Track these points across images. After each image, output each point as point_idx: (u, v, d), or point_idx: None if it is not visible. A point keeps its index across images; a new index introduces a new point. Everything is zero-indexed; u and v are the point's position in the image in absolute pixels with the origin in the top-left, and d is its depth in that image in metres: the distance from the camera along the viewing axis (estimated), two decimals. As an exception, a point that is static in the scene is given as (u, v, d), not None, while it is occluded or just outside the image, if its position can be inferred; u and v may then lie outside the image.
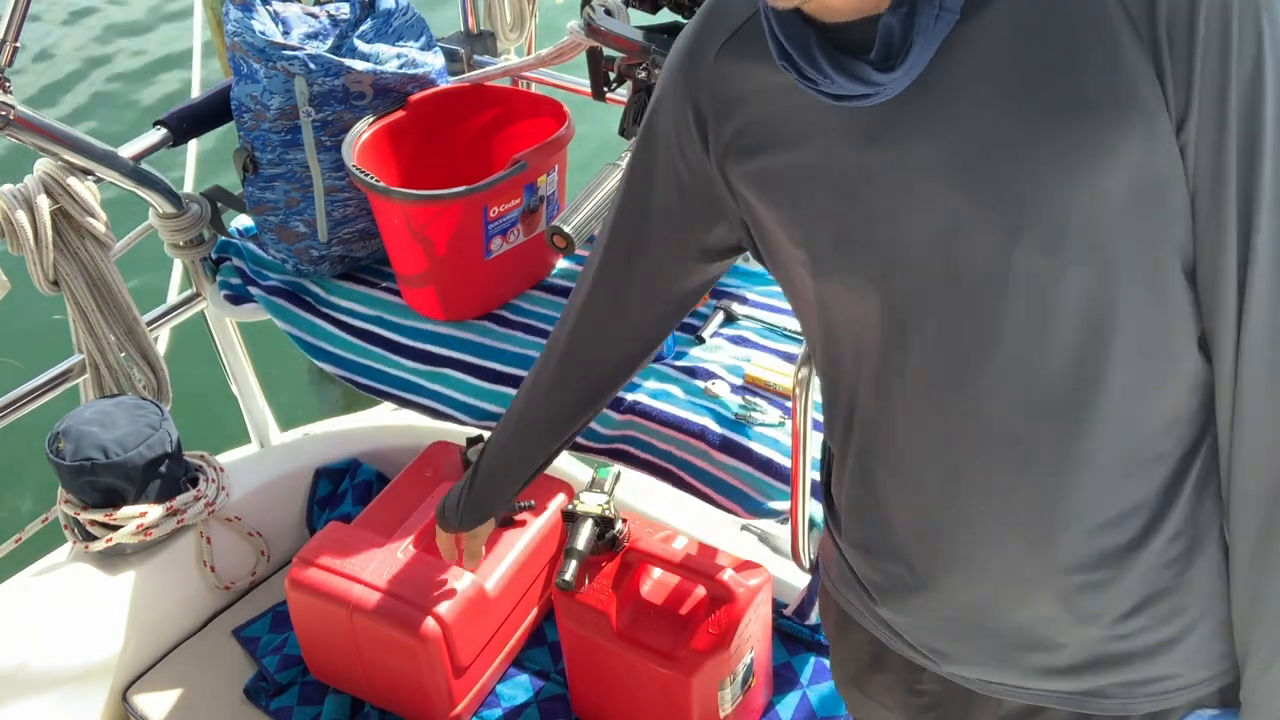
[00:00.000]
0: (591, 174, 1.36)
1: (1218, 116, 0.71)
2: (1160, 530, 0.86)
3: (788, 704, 1.65)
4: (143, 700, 1.77)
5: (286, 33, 1.75)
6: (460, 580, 1.61)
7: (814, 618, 1.65)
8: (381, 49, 1.78)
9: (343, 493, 2.03)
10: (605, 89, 1.74)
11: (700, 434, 1.54)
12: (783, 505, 1.49)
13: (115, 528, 1.71)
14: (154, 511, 1.73)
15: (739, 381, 1.61)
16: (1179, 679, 0.93)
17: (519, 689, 1.74)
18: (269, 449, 2.13)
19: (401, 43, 1.81)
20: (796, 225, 0.90)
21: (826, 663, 1.66)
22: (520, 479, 1.33)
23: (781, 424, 1.55)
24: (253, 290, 1.90)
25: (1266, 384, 0.78)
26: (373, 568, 1.63)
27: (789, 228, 0.90)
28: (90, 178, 1.70)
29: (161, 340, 2.00)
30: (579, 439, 1.63)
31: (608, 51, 1.68)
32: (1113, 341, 0.79)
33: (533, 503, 1.76)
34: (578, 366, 1.21)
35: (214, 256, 1.94)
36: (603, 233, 1.10)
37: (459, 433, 1.80)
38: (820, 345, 0.97)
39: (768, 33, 0.82)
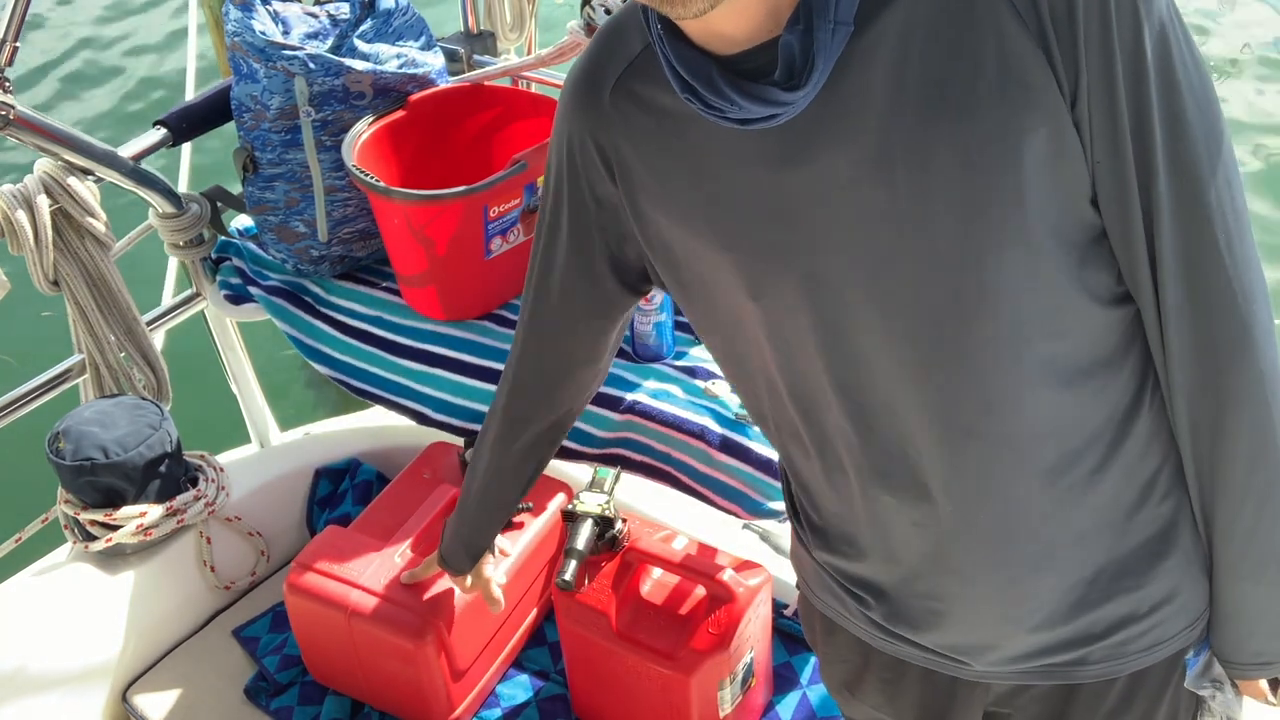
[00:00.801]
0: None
1: (1107, 87, 0.75)
2: (1119, 456, 0.89)
3: (788, 704, 1.65)
4: (143, 700, 1.77)
5: (286, 32, 1.75)
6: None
7: (814, 618, 1.64)
8: (381, 49, 1.78)
9: (343, 493, 2.03)
10: (605, 89, 1.74)
11: (700, 434, 1.54)
12: (782, 505, 1.49)
13: (115, 528, 1.71)
14: (154, 511, 1.73)
15: (739, 381, 1.61)
16: (1164, 629, 0.95)
17: (519, 689, 1.74)
18: (269, 449, 2.13)
19: (401, 43, 1.81)
20: (721, 253, 0.90)
21: (826, 663, 1.66)
22: (501, 519, 1.38)
23: (781, 424, 1.55)
24: (252, 290, 1.90)
25: (1187, 317, 0.82)
26: (370, 572, 1.63)
27: (712, 256, 0.91)
28: (90, 178, 1.70)
29: (161, 340, 2.00)
30: (576, 445, 1.64)
31: (608, 51, 1.68)
32: (1027, 312, 0.83)
33: (531, 504, 1.76)
34: (526, 406, 1.21)
35: (214, 256, 1.94)
36: (527, 279, 1.12)
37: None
38: (773, 364, 0.96)
39: (666, 66, 0.82)
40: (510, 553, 1.69)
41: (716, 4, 0.74)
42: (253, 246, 1.96)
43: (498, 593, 1.47)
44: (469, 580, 1.45)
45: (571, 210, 1.02)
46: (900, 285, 0.83)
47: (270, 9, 1.76)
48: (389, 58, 1.78)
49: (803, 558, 1.12)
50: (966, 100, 0.76)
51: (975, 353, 0.84)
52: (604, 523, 1.55)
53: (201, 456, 1.88)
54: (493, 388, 1.69)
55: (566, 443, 1.65)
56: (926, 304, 0.83)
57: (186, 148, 2.66)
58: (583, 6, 1.67)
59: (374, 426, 2.14)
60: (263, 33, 1.70)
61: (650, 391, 1.61)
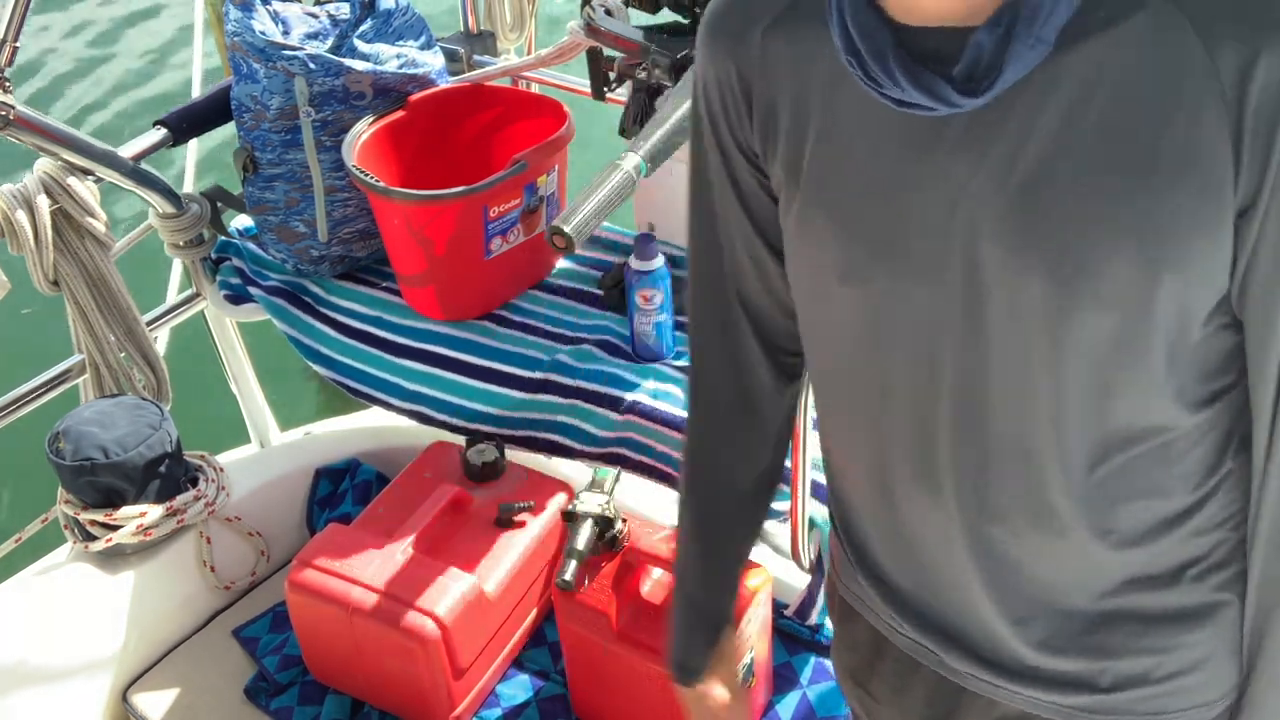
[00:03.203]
0: (591, 174, 1.36)
1: None
2: (1185, 524, 0.86)
3: (788, 704, 1.65)
4: (143, 700, 1.77)
5: (286, 33, 1.75)
6: (460, 581, 1.61)
7: (814, 618, 1.65)
8: (381, 49, 1.78)
9: (343, 493, 2.03)
10: (605, 89, 1.74)
11: (700, 434, 1.54)
12: (782, 505, 1.49)
13: (115, 528, 1.71)
14: (154, 511, 1.73)
15: (739, 381, 1.61)
16: (1177, 700, 0.92)
17: (519, 689, 1.74)
18: (269, 449, 2.13)
19: (401, 43, 1.81)
20: (829, 224, 0.86)
21: (826, 663, 1.66)
22: (735, 575, 1.17)
23: (781, 424, 1.55)
24: (252, 290, 1.90)
25: None
26: (372, 570, 1.63)
27: (820, 223, 0.87)
28: (90, 178, 1.70)
29: (161, 340, 2.00)
30: (577, 445, 1.63)
31: (608, 51, 1.68)
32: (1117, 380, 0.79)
33: (532, 503, 1.76)
34: (724, 413, 1.08)
35: (214, 256, 1.94)
36: (689, 261, 1.02)
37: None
38: (856, 344, 0.91)
39: (836, 23, 0.77)
40: (511, 552, 1.69)
41: None
42: (253, 246, 1.96)
43: (735, 673, 1.18)
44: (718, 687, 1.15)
45: (719, 159, 0.93)
46: (986, 328, 0.80)
47: (270, 9, 1.76)
48: (389, 58, 1.78)
49: (834, 541, 1.12)
50: (1138, 166, 0.71)
51: (1045, 402, 0.81)
52: (604, 523, 1.55)
53: (201, 456, 1.88)
54: (493, 388, 1.69)
55: (566, 442, 1.66)
56: (1002, 348, 0.80)
57: (188, 147, 2.66)
58: (583, 6, 1.66)
59: (374, 426, 2.14)
60: (263, 33, 1.70)
61: (650, 391, 1.61)
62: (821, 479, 1.50)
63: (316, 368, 1.84)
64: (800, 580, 1.63)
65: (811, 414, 1.37)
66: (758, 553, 1.79)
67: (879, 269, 0.84)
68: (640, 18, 1.68)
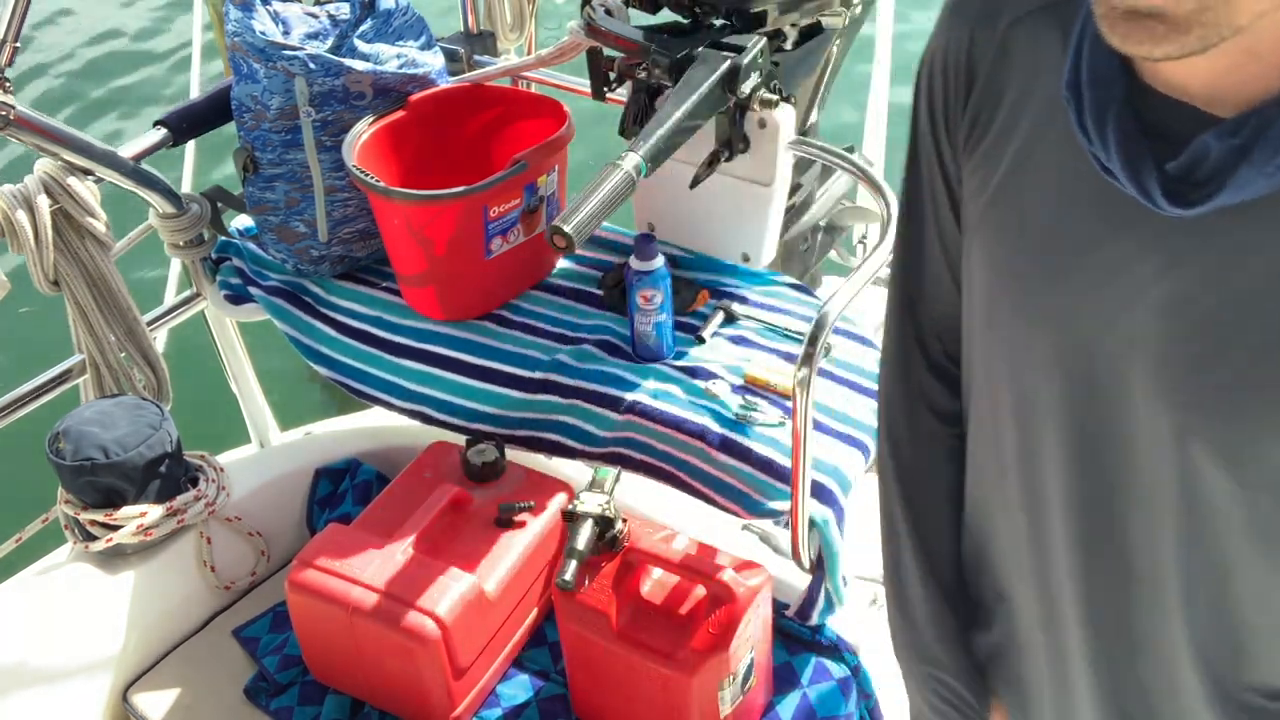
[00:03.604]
0: (591, 174, 1.36)
1: None
2: None
3: (788, 704, 1.65)
4: (143, 700, 1.77)
5: (286, 33, 1.75)
6: (460, 581, 1.61)
7: (815, 618, 1.64)
8: (381, 49, 1.78)
9: (343, 493, 2.03)
10: (605, 89, 1.74)
11: (700, 434, 1.54)
12: (783, 505, 1.49)
13: (115, 528, 1.71)
14: (154, 511, 1.73)
15: (739, 381, 1.61)
16: None
17: (519, 689, 1.74)
18: (269, 449, 2.13)
19: (401, 43, 1.81)
20: (1004, 256, 0.79)
21: (826, 663, 1.66)
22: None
23: (781, 424, 1.55)
24: (252, 290, 1.90)
25: None
26: (372, 569, 1.63)
27: (996, 252, 0.79)
28: (90, 178, 1.70)
29: (161, 340, 2.00)
30: (577, 445, 1.63)
31: (608, 51, 1.68)
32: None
33: (532, 503, 1.76)
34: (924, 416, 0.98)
35: (214, 256, 1.94)
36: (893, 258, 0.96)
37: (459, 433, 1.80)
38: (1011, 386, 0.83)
39: (1072, 51, 0.69)
40: (511, 552, 1.69)
41: (1201, 49, 0.58)
42: (253, 246, 1.96)
43: None
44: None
45: (929, 138, 0.86)
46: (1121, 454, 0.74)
47: (270, 9, 1.76)
48: (389, 58, 1.78)
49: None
50: None
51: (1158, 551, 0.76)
52: (604, 523, 1.55)
53: (201, 456, 1.88)
54: (492, 388, 1.69)
55: (567, 442, 1.65)
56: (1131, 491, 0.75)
57: (188, 147, 2.66)
58: (583, 6, 1.67)
59: (374, 426, 2.14)
60: (263, 33, 1.70)
61: (650, 391, 1.61)
62: (821, 479, 1.50)
63: (317, 367, 1.84)
64: (800, 580, 1.62)
65: (812, 414, 1.37)
66: (758, 553, 1.79)
67: (1029, 331, 0.77)
68: (640, 18, 1.68)
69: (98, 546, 1.72)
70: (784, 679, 1.68)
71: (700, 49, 1.54)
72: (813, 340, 1.34)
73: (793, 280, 1.81)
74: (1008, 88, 0.76)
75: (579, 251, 1.62)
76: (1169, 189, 0.64)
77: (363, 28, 1.77)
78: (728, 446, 1.53)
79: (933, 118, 0.83)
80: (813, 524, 1.47)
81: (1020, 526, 0.86)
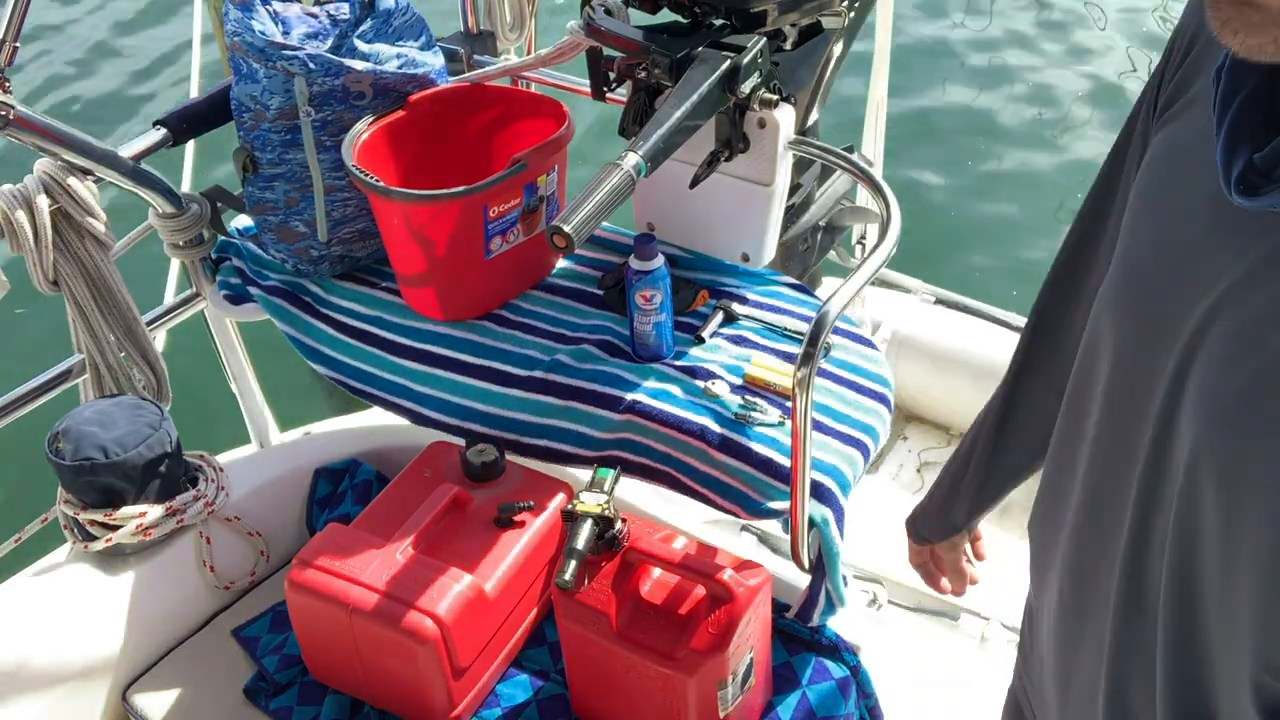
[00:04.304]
0: (591, 174, 1.36)
1: None
2: None
3: (788, 704, 1.65)
4: (143, 700, 1.77)
5: (286, 33, 1.75)
6: (459, 581, 1.61)
7: (815, 618, 1.64)
8: (381, 49, 1.78)
9: (343, 493, 2.03)
10: (605, 89, 1.74)
11: (700, 434, 1.54)
12: (782, 505, 1.49)
13: (115, 528, 1.71)
14: (154, 511, 1.73)
15: (739, 381, 1.61)
16: None
17: (519, 689, 1.74)
18: (269, 449, 2.13)
19: (401, 43, 1.81)
20: (1116, 249, 0.80)
21: (827, 663, 1.66)
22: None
23: (781, 424, 1.55)
24: (252, 290, 1.90)
25: None
26: (372, 569, 1.63)
27: (1139, 220, 0.80)
28: (90, 178, 1.70)
29: (161, 340, 2.00)
30: (576, 447, 1.63)
31: (608, 51, 1.68)
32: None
33: (532, 503, 1.76)
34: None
35: (214, 256, 1.94)
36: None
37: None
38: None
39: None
40: (510, 552, 1.69)
41: None
42: (253, 246, 1.96)
43: (961, 564, 1.30)
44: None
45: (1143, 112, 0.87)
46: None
47: (270, 9, 1.76)
48: (389, 58, 1.78)
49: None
50: None
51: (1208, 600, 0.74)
52: (604, 523, 1.55)
53: (201, 456, 1.88)
54: (492, 387, 1.69)
55: (565, 449, 1.66)
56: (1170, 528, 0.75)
57: (188, 147, 2.66)
58: (583, 6, 1.67)
59: (374, 426, 2.14)
60: (262, 33, 1.70)
61: (650, 391, 1.61)
62: (821, 479, 1.50)
63: (317, 367, 1.84)
64: (800, 580, 1.63)
65: (813, 414, 1.37)
66: (758, 553, 1.79)
67: (1115, 314, 0.79)
68: (640, 18, 1.68)
69: (97, 546, 1.72)
70: (784, 679, 1.68)
71: (700, 49, 1.54)
72: (812, 340, 1.34)
73: (793, 280, 1.81)
74: (1207, 63, 0.76)
75: (579, 251, 1.62)
76: (1246, 178, 0.63)
77: (362, 28, 1.77)
78: (727, 446, 1.53)
79: (1155, 79, 0.84)
80: (812, 524, 1.47)
81: (1058, 476, 0.91)
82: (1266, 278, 0.65)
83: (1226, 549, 0.70)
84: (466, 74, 1.95)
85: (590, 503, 1.57)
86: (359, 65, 1.72)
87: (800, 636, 1.72)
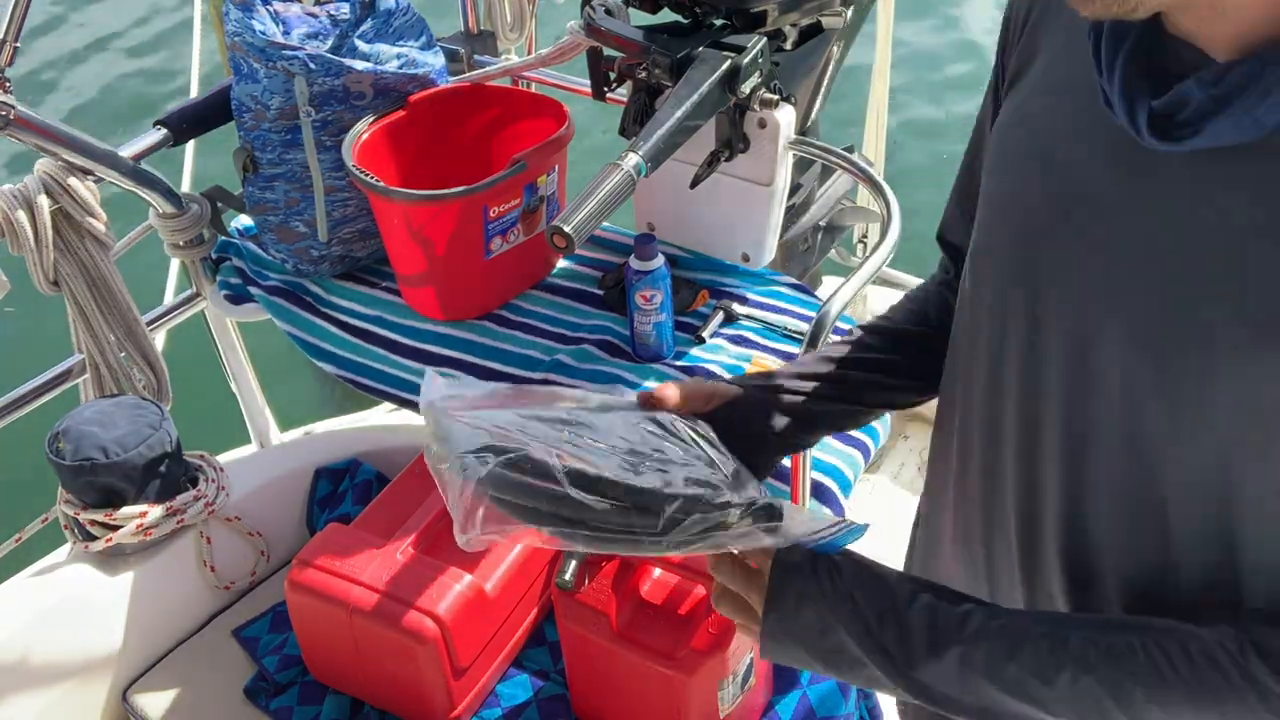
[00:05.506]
0: (591, 174, 1.36)
1: None
2: None
3: (788, 704, 1.65)
4: (143, 700, 1.77)
5: (287, 32, 1.75)
6: (460, 581, 1.61)
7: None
8: (381, 49, 1.78)
9: (343, 493, 2.03)
10: (605, 89, 1.74)
11: (700, 434, 1.54)
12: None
13: (115, 528, 1.71)
14: (154, 511, 1.73)
15: (739, 381, 1.61)
16: None
17: (519, 689, 1.74)
18: (269, 449, 2.13)
19: (401, 43, 1.81)
20: (992, 186, 0.84)
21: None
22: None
23: (781, 424, 1.55)
24: (253, 290, 1.90)
25: None
26: (372, 569, 1.63)
27: (990, 170, 0.84)
28: (90, 178, 1.70)
29: (161, 340, 2.00)
30: None
31: (608, 51, 1.68)
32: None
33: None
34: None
35: (214, 256, 1.94)
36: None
37: (459, 433, 1.80)
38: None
39: None
40: (510, 552, 1.69)
41: (1126, 11, 0.64)
42: (253, 246, 1.96)
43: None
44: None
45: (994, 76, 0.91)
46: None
47: (270, 9, 1.76)
48: (389, 58, 1.78)
49: None
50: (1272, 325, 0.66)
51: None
52: (604, 523, 1.55)
53: (201, 456, 1.88)
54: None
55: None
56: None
57: (188, 147, 2.66)
58: (583, 6, 1.66)
59: (374, 426, 2.14)
60: (263, 32, 1.70)
61: (650, 391, 1.61)
62: (821, 479, 1.50)
63: (323, 365, 1.84)
64: (800, 580, 1.62)
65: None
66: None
67: (1010, 248, 0.81)
68: (640, 18, 1.68)
69: (98, 546, 1.72)
70: (784, 679, 1.68)
71: (700, 49, 1.54)
72: (813, 340, 1.34)
73: (793, 280, 1.81)
74: (1049, 30, 0.81)
75: (579, 251, 1.62)
76: (1155, 124, 0.68)
77: (363, 28, 1.77)
78: (728, 446, 1.52)
79: (1000, 54, 0.88)
80: (813, 524, 1.47)
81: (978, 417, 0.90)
82: (1189, 215, 0.69)
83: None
84: (466, 74, 1.95)
85: (590, 502, 1.57)
86: (359, 65, 1.72)
87: (800, 636, 1.72)
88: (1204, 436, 0.72)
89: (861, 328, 1.08)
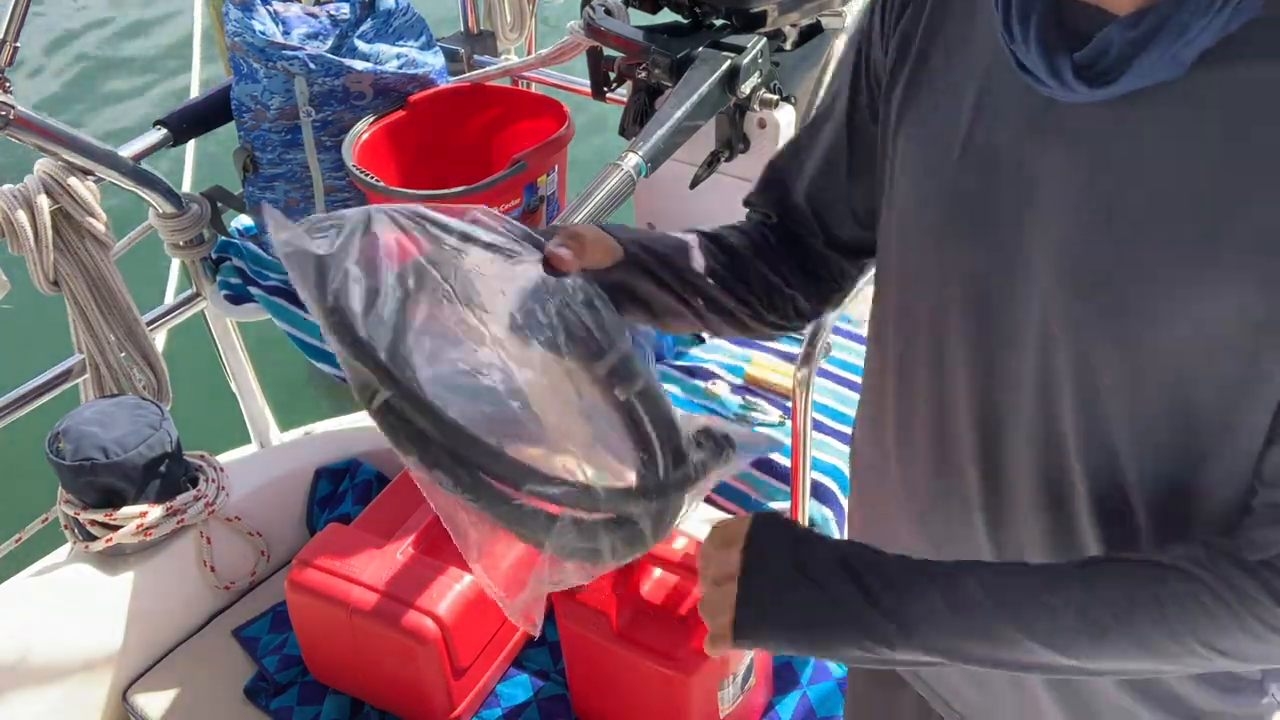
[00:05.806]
0: (591, 174, 1.36)
1: None
2: None
3: (788, 704, 1.65)
4: (143, 700, 1.77)
5: (287, 33, 1.75)
6: (460, 582, 1.61)
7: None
8: (381, 49, 1.78)
9: (343, 493, 2.03)
10: (605, 89, 1.74)
11: (700, 434, 1.54)
12: (783, 505, 1.49)
13: (115, 528, 1.71)
14: (154, 511, 1.73)
15: (739, 381, 1.61)
16: None
17: (519, 689, 1.74)
18: (269, 449, 2.13)
19: (401, 43, 1.81)
20: (910, 168, 0.85)
21: (827, 662, 1.66)
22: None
23: (781, 424, 1.55)
24: (252, 290, 1.90)
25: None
26: (372, 569, 1.63)
27: (904, 164, 0.86)
28: (90, 178, 1.70)
29: (161, 340, 2.00)
30: None
31: (608, 51, 1.68)
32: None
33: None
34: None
35: (214, 256, 1.94)
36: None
37: (459, 433, 1.80)
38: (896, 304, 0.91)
39: None
40: (510, 551, 1.69)
41: None
42: (253, 246, 1.96)
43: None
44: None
45: (857, 57, 0.91)
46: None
47: (270, 9, 1.76)
48: (389, 58, 1.78)
49: None
50: (1209, 226, 0.68)
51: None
52: (604, 522, 1.55)
53: (201, 456, 1.87)
54: (493, 387, 1.69)
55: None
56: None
57: (188, 147, 2.66)
58: (583, 6, 1.67)
59: (374, 426, 2.13)
60: (263, 33, 1.70)
61: (650, 391, 1.61)
62: (821, 479, 1.50)
63: (321, 365, 1.84)
64: (800, 580, 1.62)
65: (813, 414, 1.37)
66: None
67: (946, 223, 0.82)
68: (640, 18, 1.68)
69: (98, 546, 1.72)
70: (784, 679, 1.68)
71: (700, 49, 1.54)
72: (813, 340, 1.34)
73: (793, 280, 1.81)
74: (940, 6, 0.83)
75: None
76: (1079, 75, 0.70)
77: (363, 28, 1.77)
78: (728, 446, 1.52)
79: (877, 29, 0.89)
80: (813, 523, 1.47)
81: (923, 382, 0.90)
82: (1118, 157, 0.72)
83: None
84: (466, 74, 1.95)
85: (590, 502, 1.57)
86: (359, 65, 1.72)
87: (800, 636, 1.72)
88: (1152, 372, 0.74)
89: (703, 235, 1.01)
